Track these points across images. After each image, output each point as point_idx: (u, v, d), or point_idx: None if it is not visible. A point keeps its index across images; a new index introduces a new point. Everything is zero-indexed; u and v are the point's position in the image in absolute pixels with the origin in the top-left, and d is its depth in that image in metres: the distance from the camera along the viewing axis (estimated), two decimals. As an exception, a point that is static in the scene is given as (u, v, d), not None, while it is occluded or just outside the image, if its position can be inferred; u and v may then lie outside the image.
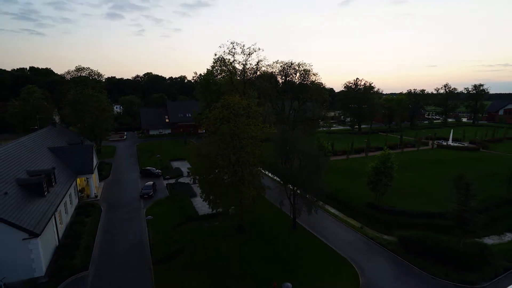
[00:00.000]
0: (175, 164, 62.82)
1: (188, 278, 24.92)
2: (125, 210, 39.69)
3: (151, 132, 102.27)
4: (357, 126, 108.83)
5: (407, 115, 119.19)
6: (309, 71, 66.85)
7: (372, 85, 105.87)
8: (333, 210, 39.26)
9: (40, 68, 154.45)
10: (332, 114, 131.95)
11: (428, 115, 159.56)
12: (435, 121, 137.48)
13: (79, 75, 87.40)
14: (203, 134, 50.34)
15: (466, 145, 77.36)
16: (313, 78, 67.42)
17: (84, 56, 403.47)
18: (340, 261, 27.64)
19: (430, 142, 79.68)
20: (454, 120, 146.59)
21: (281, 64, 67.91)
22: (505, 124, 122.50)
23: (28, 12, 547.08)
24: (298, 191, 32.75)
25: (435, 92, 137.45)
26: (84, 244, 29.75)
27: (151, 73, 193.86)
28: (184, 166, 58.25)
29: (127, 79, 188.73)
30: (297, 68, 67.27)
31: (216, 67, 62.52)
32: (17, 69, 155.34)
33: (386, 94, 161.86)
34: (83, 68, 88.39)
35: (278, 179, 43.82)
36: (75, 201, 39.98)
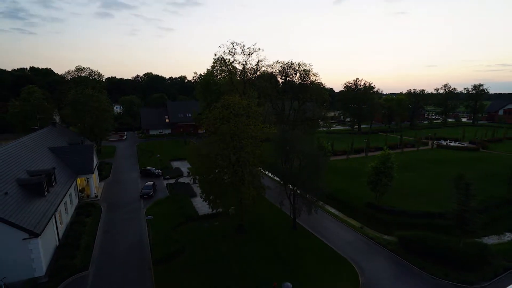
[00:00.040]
0: (175, 164, 62.87)
1: (188, 278, 24.94)
2: (125, 210, 39.72)
3: (151, 132, 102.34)
4: (357, 126, 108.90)
5: (407, 115, 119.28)
6: (309, 71, 66.93)
7: (372, 85, 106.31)
8: (333, 210, 39.28)
9: (41, 68, 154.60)
10: (332, 114, 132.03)
11: (428, 115, 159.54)
12: (434, 121, 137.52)
13: (79, 75, 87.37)
14: (203, 134, 50.39)
15: (466, 145, 77.46)
16: (313, 78, 67.53)
17: (83, 56, 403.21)
18: (340, 261, 27.66)
19: (430, 142, 79.74)
20: (453, 120, 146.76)
21: (281, 64, 68.02)
22: (504, 124, 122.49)
23: (15, 10, 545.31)
24: (298, 191, 32.75)
25: (434, 92, 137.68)
26: (84, 244, 29.77)
27: (151, 73, 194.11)
28: (184, 166, 58.28)
29: (127, 79, 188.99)
30: (297, 68, 67.32)
31: (216, 67, 62.56)
32: (17, 69, 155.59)
33: (386, 94, 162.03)
34: (83, 68, 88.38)
35: (278, 179, 43.86)
36: (75, 201, 40.00)
